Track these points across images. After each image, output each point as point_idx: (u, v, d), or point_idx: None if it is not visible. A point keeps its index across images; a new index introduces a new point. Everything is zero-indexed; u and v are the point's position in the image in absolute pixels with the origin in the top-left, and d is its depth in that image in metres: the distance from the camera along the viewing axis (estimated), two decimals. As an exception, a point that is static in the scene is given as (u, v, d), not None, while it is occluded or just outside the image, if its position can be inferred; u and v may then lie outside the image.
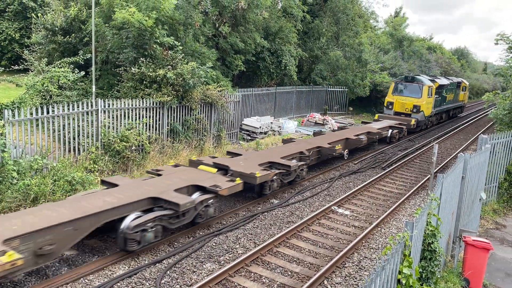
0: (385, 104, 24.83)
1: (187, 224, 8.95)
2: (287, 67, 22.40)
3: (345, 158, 15.97)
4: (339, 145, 14.96)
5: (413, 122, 22.51)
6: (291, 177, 12.07)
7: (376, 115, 24.19)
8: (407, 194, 12.58)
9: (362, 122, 23.05)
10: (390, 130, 20.66)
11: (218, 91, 15.38)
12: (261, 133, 18.78)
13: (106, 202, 7.61)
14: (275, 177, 11.19)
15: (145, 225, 7.62)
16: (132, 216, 7.67)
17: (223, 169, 10.76)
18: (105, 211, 7.34)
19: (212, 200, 9.09)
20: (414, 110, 23.25)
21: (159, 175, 9.76)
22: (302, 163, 12.70)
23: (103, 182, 9.30)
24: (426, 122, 24.67)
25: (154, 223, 7.81)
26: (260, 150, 14.57)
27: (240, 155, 12.47)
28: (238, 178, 9.90)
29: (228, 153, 12.92)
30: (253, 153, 13.12)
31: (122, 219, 7.59)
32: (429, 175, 13.85)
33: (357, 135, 16.90)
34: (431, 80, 25.81)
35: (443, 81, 27.90)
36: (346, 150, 15.79)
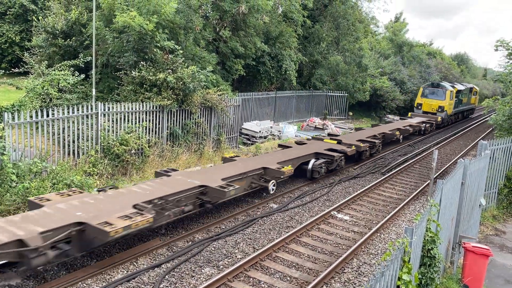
0: (415, 105, 30.05)
1: (187, 226, 8.92)
2: (287, 72, 22.44)
3: (400, 141, 21.82)
4: (398, 132, 20.49)
5: (439, 119, 27.60)
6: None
7: (410, 113, 29.11)
8: (407, 200, 12.56)
9: (384, 122, 28.77)
10: (424, 124, 25.42)
11: (218, 95, 15.39)
12: (260, 137, 18.77)
13: (297, 154, 13.51)
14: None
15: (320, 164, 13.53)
16: (313, 160, 13.64)
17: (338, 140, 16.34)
18: (301, 156, 13.48)
19: (342, 157, 14.69)
20: (439, 110, 28.36)
21: (304, 143, 15.60)
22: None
23: (279, 145, 15.51)
24: (448, 120, 30.04)
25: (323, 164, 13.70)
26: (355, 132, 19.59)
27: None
28: (353, 146, 15.46)
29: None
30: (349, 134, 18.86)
31: (307, 162, 13.54)
32: (429, 181, 13.84)
33: (405, 126, 22.62)
34: (451, 86, 30.65)
35: (460, 86, 32.56)
36: (401, 135, 21.18)
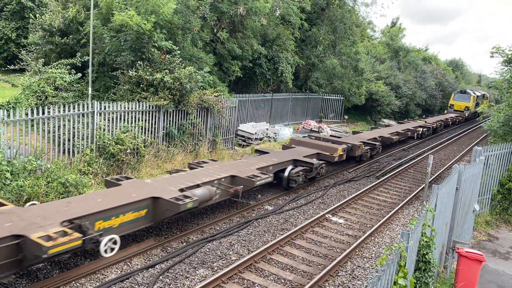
0: (448, 105, 41.49)
1: (182, 227, 8.91)
2: (284, 74, 22.48)
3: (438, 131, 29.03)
4: (435, 124, 28.22)
5: (466, 115, 38.94)
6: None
7: (445, 111, 40.72)
8: (401, 204, 12.61)
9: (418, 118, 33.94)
10: (458, 118, 37.05)
11: (215, 96, 15.39)
12: (256, 139, 18.78)
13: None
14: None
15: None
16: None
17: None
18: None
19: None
20: (466, 109, 39.39)
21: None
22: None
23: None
24: (471, 116, 40.73)
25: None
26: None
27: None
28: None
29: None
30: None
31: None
32: (423, 185, 13.92)
33: (446, 118, 33.13)
34: (473, 92, 42.20)
35: (477, 93, 43.80)
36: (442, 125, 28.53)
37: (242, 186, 10.08)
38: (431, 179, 15.93)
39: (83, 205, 7.22)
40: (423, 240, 5.89)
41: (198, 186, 9.29)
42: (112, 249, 6.87)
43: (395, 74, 36.64)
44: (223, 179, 10.07)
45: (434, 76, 44.73)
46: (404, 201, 12.91)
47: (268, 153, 13.74)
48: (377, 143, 18.42)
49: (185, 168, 11.41)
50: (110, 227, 7.25)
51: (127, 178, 9.24)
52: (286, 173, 12.39)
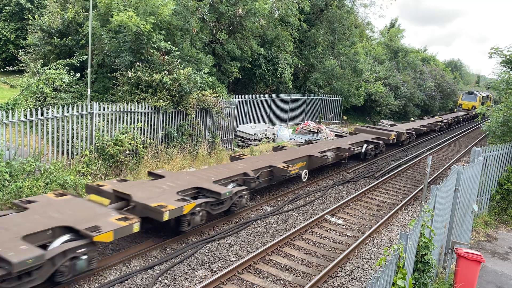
0: (457, 105, 46.62)
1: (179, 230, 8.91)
2: (283, 75, 22.49)
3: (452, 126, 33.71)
4: (450, 120, 33.77)
5: (473, 113, 40.94)
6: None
7: (455, 109, 45.85)
8: (400, 205, 12.62)
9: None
10: (465, 116, 40.69)
11: (214, 97, 15.38)
12: (255, 140, 18.78)
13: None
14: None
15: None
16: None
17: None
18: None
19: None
20: (473, 108, 42.71)
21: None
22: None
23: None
24: (477, 115, 42.35)
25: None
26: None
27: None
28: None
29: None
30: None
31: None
32: (422, 186, 13.93)
33: (458, 116, 37.69)
34: (479, 93, 46.40)
35: (483, 94, 47.79)
36: (455, 121, 34.27)
37: (348, 152, 15.89)
38: (430, 179, 15.95)
39: (284, 157, 13.39)
40: (422, 241, 5.89)
41: (325, 151, 15.10)
42: (305, 177, 13.10)
43: (394, 74, 36.69)
44: (334, 148, 15.87)
45: (432, 76, 44.79)
46: (403, 202, 12.92)
47: (345, 136, 20.06)
48: (413, 132, 24.56)
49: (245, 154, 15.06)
50: (298, 167, 13.01)
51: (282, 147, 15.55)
52: (363, 149, 17.88)
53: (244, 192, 10.29)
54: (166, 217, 7.85)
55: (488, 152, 11.85)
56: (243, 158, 13.07)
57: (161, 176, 10.09)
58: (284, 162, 12.64)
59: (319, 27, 26.77)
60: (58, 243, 6.54)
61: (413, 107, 38.53)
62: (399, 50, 42.95)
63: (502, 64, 14.78)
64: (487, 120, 15.83)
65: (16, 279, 5.79)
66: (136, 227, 7.30)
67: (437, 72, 47.34)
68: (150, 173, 10.54)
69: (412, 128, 25.31)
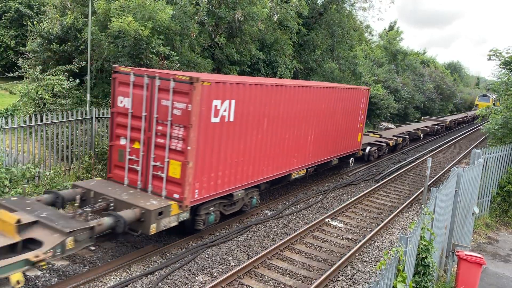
0: (474, 105, 54.54)
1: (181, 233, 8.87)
2: (282, 78, 22.47)
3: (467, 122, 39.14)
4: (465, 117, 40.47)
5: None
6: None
7: (473, 108, 53.19)
8: (401, 207, 12.59)
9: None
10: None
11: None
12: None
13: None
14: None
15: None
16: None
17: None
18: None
19: None
20: (487, 108, 43.28)
21: None
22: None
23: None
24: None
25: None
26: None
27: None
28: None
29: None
30: None
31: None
32: (423, 188, 13.90)
33: (472, 114, 42.91)
34: (491, 95, 50.30)
35: (494, 96, 50.89)
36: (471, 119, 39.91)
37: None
38: (431, 182, 15.92)
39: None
40: (422, 243, 5.87)
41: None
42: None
43: (393, 77, 36.70)
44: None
45: (432, 79, 44.81)
46: (404, 205, 12.89)
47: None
48: (439, 126, 31.14)
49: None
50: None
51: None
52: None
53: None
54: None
55: (488, 154, 11.83)
56: (392, 128, 21.24)
57: (380, 135, 19.92)
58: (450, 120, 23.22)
59: (318, 31, 26.79)
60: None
61: (413, 109, 38.52)
62: (398, 52, 42.97)
63: (501, 66, 14.78)
64: (487, 122, 15.82)
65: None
66: None
67: (436, 74, 47.38)
68: (369, 131, 20.68)
69: (438, 123, 30.32)
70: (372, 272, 8.57)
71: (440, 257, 8.15)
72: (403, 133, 24.07)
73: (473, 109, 55.44)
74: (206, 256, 8.52)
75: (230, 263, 8.30)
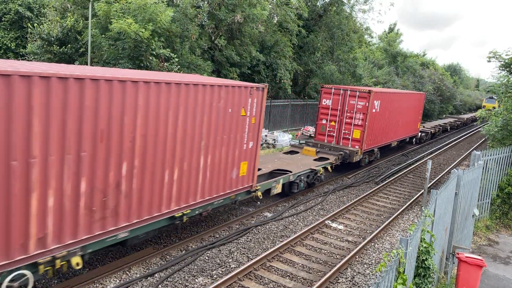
0: (482, 106, 54.83)
1: (181, 235, 8.86)
2: (282, 81, 22.53)
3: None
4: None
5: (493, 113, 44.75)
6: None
7: (479, 109, 53.91)
8: (401, 209, 12.58)
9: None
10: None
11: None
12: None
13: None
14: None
15: None
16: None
17: None
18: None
19: None
20: (493, 108, 49.66)
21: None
22: None
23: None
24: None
25: None
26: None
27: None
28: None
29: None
30: None
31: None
32: (423, 190, 13.90)
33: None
34: (496, 97, 53.05)
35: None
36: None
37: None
38: (431, 184, 15.91)
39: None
40: (422, 246, 5.86)
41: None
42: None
43: (393, 79, 36.76)
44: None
45: (432, 81, 44.84)
46: (404, 207, 12.88)
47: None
48: (459, 122, 37.90)
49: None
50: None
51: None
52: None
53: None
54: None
55: (488, 155, 11.83)
56: (427, 122, 25.25)
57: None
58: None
59: (318, 33, 26.85)
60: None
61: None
62: (398, 54, 43.04)
63: (501, 68, 14.80)
64: (487, 124, 15.84)
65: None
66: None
67: (436, 76, 47.42)
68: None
69: (458, 119, 36.34)
70: (372, 274, 8.57)
71: (441, 259, 8.14)
72: (437, 125, 32.25)
73: (480, 109, 60.58)
74: (206, 258, 8.51)
75: (230, 265, 8.29)
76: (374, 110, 16.75)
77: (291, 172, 12.35)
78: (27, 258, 5.66)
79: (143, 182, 7.10)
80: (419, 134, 26.02)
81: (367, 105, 16.07)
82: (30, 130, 5.37)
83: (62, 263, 6.04)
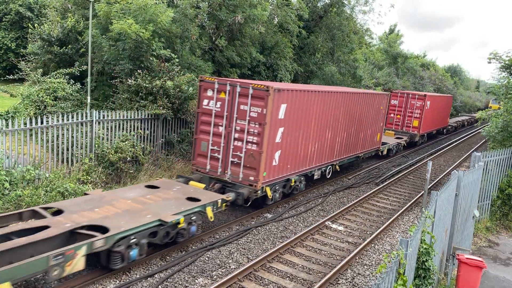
0: (488, 106, 52.67)
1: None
2: (282, 81, 22.51)
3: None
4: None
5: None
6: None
7: (486, 110, 56.76)
8: (401, 210, 12.58)
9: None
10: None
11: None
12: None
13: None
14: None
15: None
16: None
17: None
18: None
19: None
20: (498, 109, 44.98)
21: None
22: None
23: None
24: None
25: None
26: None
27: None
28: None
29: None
30: None
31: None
32: (423, 192, 13.89)
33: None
34: None
35: None
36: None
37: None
38: (431, 185, 15.91)
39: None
40: (422, 247, 5.86)
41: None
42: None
43: (394, 80, 36.75)
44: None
45: (432, 82, 44.86)
46: (404, 208, 12.88)
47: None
48: (473, 119, 42.68)
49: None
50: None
51: None
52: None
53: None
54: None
55: (488, 157, 11.83)
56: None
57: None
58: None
59: (318, 34, 26.83)
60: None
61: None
62: (398, 55, 43.02)
63: (501, 69, 14.81)
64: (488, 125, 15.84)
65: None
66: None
67: (436, 77, 47.43)
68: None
69: (464, 119, 40.75)
70: (373, 276, 8.56)
71: (441, 260, 8.13)
72: (459, 121, 39.04)
73: (486, 110, 62.71)
74: (206, 259, 8.51)
75: (230, 266, 8.29)
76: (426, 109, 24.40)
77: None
78: (305, 170, 12.82)
79: (335, 140, 14.52)
80: (448, 126, 35.03)
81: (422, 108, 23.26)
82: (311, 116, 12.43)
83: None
